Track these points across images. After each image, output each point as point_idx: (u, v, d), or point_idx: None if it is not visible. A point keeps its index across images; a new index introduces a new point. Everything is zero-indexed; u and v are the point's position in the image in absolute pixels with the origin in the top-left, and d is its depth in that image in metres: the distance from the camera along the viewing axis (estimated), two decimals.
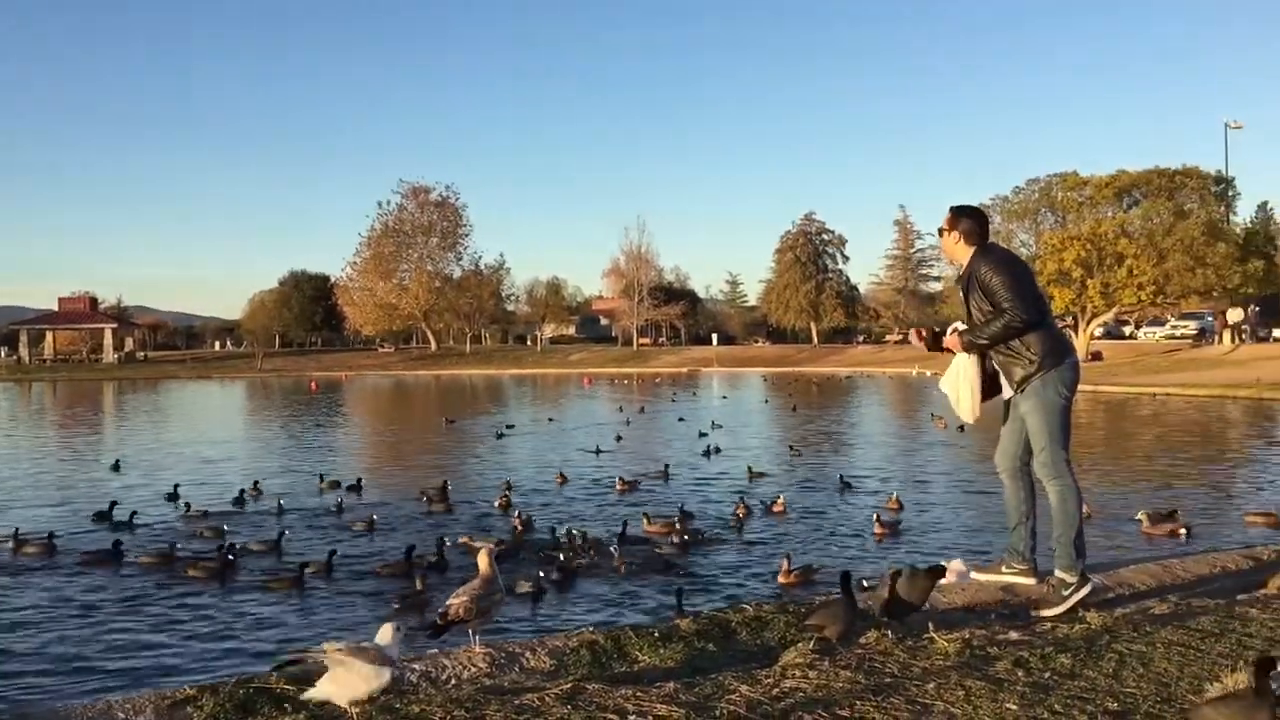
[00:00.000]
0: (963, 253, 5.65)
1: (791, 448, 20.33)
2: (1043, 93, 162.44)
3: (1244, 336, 47.81)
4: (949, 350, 5.83)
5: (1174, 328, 58.39)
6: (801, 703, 3.86)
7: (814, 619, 4.68)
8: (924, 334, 5.98)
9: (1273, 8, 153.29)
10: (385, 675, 3.74)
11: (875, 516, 11.60)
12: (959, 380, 5.80)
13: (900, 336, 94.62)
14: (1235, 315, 49.02)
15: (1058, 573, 5.42)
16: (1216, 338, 50.88)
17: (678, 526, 11.40)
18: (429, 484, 15.10)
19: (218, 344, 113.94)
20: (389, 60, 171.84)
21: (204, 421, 33.41)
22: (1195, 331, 55.58)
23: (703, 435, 22.82)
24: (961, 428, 18.24)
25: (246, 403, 46.82)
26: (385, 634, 3.93)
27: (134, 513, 13.08)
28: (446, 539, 10.71)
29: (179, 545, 10.96)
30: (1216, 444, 21.37)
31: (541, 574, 9.18)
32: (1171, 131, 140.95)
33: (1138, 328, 64.82)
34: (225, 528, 12.04)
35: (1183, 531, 10.70)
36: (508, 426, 25.91)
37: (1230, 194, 64.56)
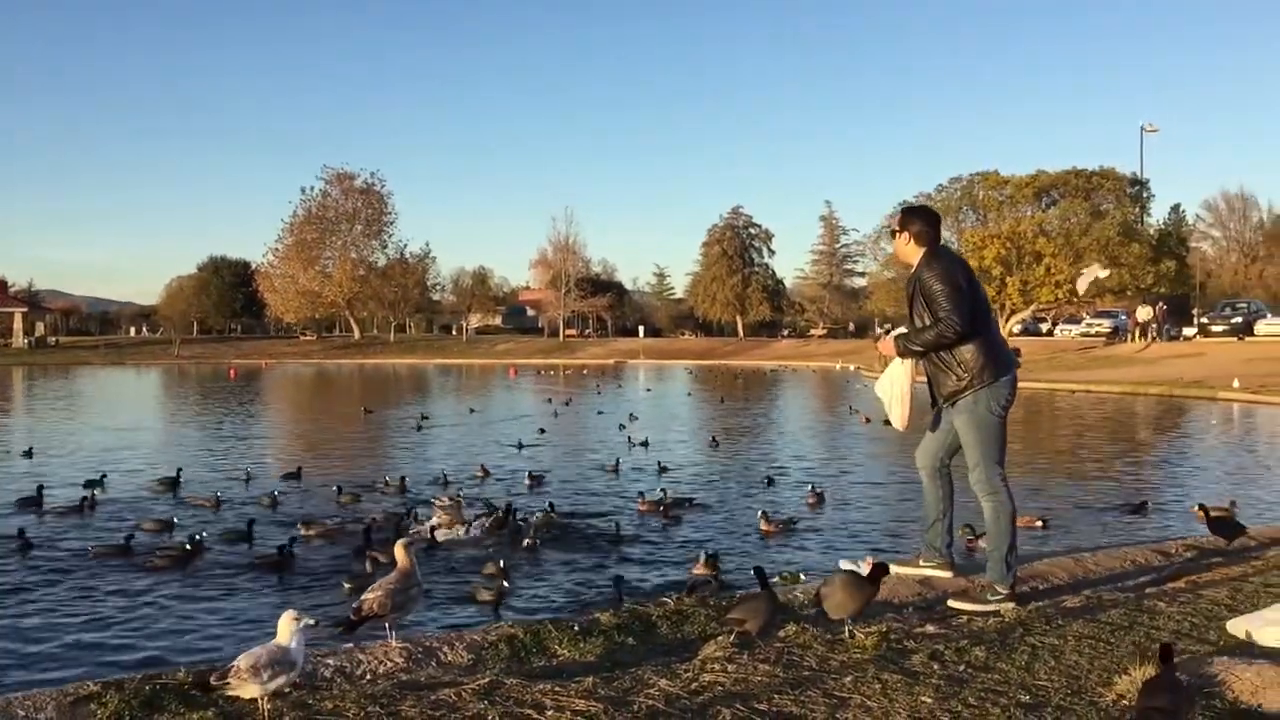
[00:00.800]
0: (913, 254, 5.59)
1: (713, 439, 20.39)
2: (967, 93, 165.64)
3: (1154, 335, 49.09)
4: (883, 354, 5.84)
5: (1089, 325, 59.77)
6: (720, 697, 3.86)
7: (735, 613, 4.68)
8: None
9: (1190, 15, 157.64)
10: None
11: (761, 514, 11.25)
12: (892, 387, 5.82)
13: (824, 331, 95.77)
14: (1145, 314, 50.24)
15: (989, 577, 5.46)
16: (1129, 336, 52.18)
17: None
18: (363, 475, 15.01)
19: (133, 330, 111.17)
20: (312, 41, 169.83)
21: (119, 409, 32.56)
22: (1109, 330, 56.91)
23: (622, 428, 22.77)
24: (887, 421, 18.36)
25: (162, 390, 45.78)
26: (283, 626, 3.85)
27: (90, 492, 12.93)
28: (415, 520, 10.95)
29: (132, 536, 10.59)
30: (1131, 438, 21.91)
31: (504, 567, 8.98)
32: (1090, 134, 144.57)
33: (1055, 325, 66.23)
34: (175, 520, 11.72)
35: (1038, 524, 10.98)
36: (423, 417, 25.30)
37: (1145, 196, 66.28)
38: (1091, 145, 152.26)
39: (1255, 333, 47.81)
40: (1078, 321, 62.45)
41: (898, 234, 5.67)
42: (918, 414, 5.85)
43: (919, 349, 5.52)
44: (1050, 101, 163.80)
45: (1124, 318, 57.19)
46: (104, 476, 14.62)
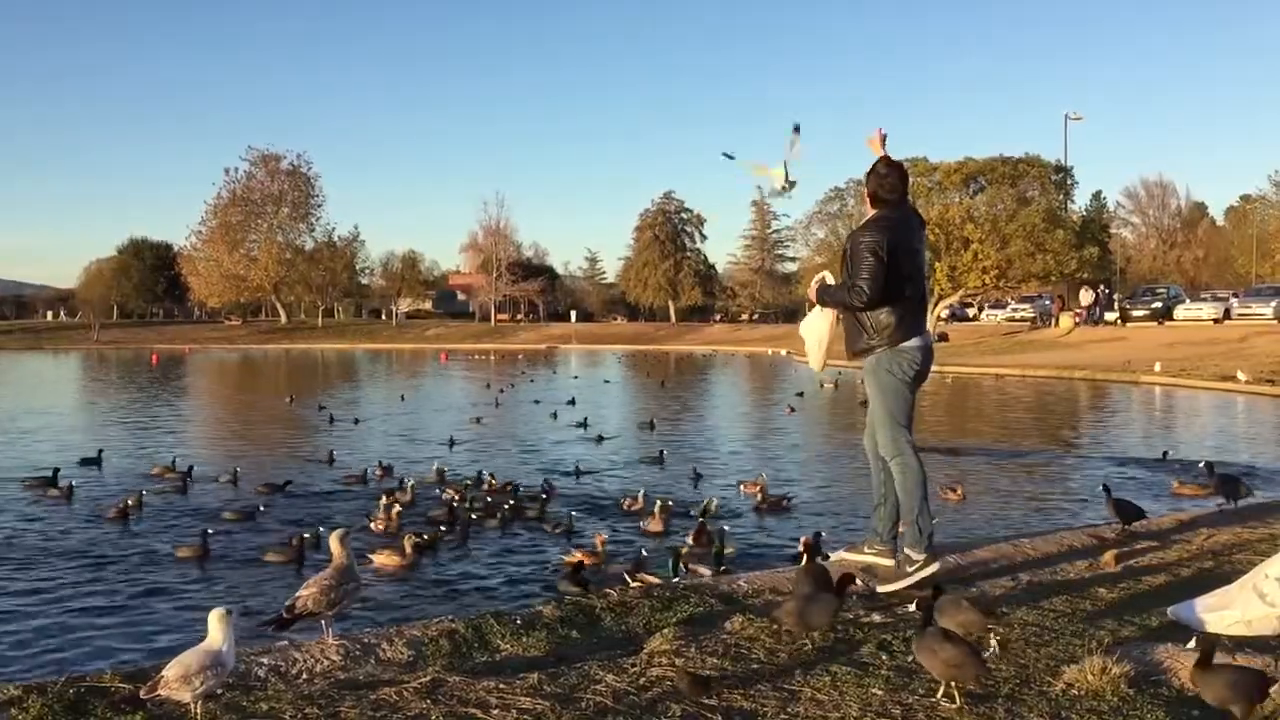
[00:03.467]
0: (869, 210, 5.67)
1: (652, 424, 20.37)
2: (896, 79, 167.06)
3: (1095, 318, 50.05)
4: (809, 297, 5.97)
5: (1014, 310, 60.84)
6: (669, 692, 3.79)
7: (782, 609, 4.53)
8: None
9: (1112, 5, 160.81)
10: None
11: (659, 505, 10.86)
12: (812, 331, 5.95)
13: (756, 315, 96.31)
14: (1087, 297, 51.09)
15: (905, 549, 5.46)
16: (1053, 321, 53.10)
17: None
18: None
19: (50, 314, 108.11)
20: (236, 20, 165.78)
21: (34, 394, 31.63)
22: (1034, 314, 57.91)
23: (554, 416, 22.60)
24: (802, 393, 18.43)
25: (80, 375, 44.62)
26: (214, 625, 3.70)
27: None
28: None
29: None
30: (1057, 420, 22.30)
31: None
32: (1016, 122, 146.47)
33: (981, 311, 67.25)
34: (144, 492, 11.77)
35: (953, 495, 11.29)
36: (327, 417, 22.71)
37: (1069, 183, 67.40)
38: (1018, 133, 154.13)
39: (1175, 317, 49.01)
40: (1003, 306, 63.51)
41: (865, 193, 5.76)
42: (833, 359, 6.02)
43: (829, 303, 5.72)
44: (977, 90, 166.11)
45: (1047, 303, 58.21)
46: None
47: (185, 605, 7.85)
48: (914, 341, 5.48)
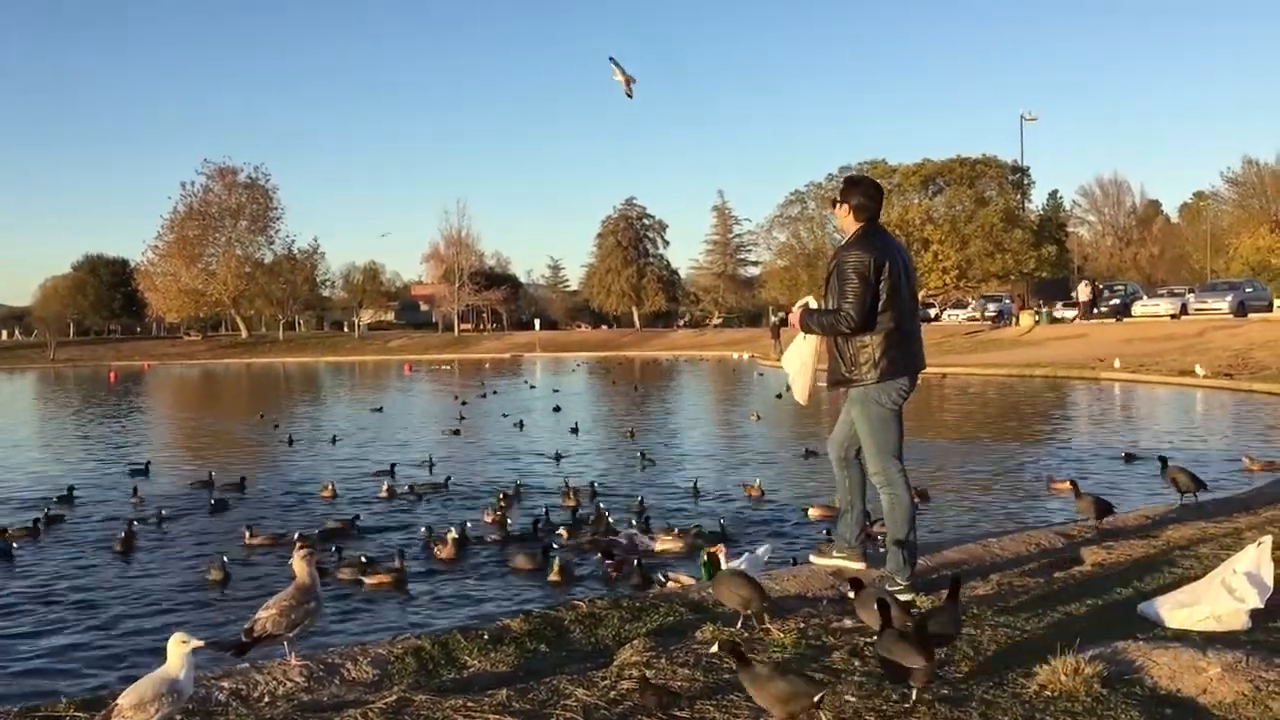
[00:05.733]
0: (850, 227, 5.43)
1: (632, 434, 20.29)
2: (855, 83, 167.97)
3: (1095, 312, 49.82)
4: (793, 326, 5.70)
5: (977, 309, 61.32)
6: (641, 706, 3.72)
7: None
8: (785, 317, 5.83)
9: (1064, 6, 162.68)
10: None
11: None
12: (795, 359, 5.75)
13: (720, 320, 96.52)
14: (1085, 292, 50.92)
15: (888, 568, 5.40)
16: (1014, 320, 53.54)
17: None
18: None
19: (5, 333, 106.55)
20: (192, 32, 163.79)
21: None
22: (994, 314, 58.33)
23: (519, 425, 22.49)
24: (788, 388, 18.27)
25: (36, 395, 43.96)
26: (173, 651, 3.59)
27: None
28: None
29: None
30: (1020, 418, 22.44)
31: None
32: (972, 122, 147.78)
33: (942, 311, 67.75)
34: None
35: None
36: (289, 438, 20.98)
37: (1025, 183, 68.15)
38: (974, 134, 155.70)
39: (1133, 314, 49.51)
40: (964, 306, 64.01)
41: (838, 204, 5.51)
42: (819, 390, 5.79)
43: (815, 329, 5.47)
44: (934, 91, 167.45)
45: (1008, 302, 58.71)
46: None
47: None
48: (902, 378, 5.32)
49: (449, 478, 14.54)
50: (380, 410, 27.93)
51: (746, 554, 5.97)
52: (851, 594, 4.46)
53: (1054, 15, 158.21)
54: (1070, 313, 53.42)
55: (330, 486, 13.92)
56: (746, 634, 4.58)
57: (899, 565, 5.33)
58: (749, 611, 4.65)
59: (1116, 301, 52.10)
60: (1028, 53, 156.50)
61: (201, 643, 3.70)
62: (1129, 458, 14.73)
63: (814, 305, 5.56)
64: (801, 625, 4.70)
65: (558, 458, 17.01)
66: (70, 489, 13.96)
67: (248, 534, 10.75)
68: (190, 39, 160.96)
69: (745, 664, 3.51)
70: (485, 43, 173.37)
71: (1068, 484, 12.31)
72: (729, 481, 14.22)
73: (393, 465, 15.77)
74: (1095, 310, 50.96)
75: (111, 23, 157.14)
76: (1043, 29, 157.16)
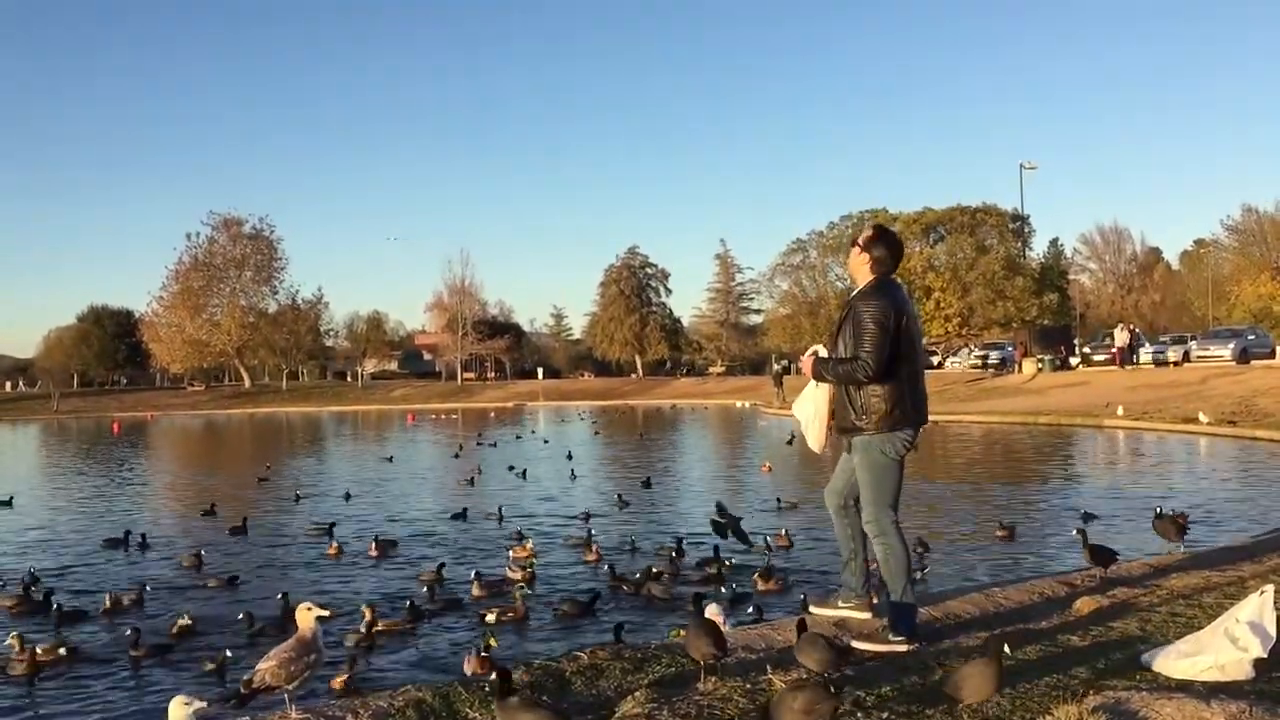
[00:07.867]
0: (863, 276, 5.46)
1: (648, 482, 19.88)
2: (856, 132, 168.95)
3: (1133, 360, 48.41)
4: (804, 373, 5.71)
5: (978, 358, 61.19)
6: None
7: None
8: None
9: (1063, 56, 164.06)
10: None
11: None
12: (809, 407, 5.72)
13: (722, 369, 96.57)
14: (1122, 337, 49.80)
15: (888, 618, 5.39)
16: (1016, 367, 53.44)
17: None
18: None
19: (9, 384, 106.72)
20: (198, 83, 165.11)
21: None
22: (997, 361, 58.19)
23: (512, 469, 22.45)
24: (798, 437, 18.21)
25: (41, 447, 43.96)
26: (173, 713, 3.58)
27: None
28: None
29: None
30: (1025, 465, 22.38)
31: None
32: (972, 171, 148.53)
33: (945, 358, 67.74)
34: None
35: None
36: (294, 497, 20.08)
37: (1026, 231, 68.54)
38: (974, 182, 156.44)
39: (1137, 361, 49.19)
40: (957, 353, 63.91)
41: (859, 250, 5.50)
42: (833, 438, 5.78)
43: (830, 378, 5.45)
44: (934, 140, 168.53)
45: (1010, 350, 58.68)
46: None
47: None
48: (908, 429, 5.34)
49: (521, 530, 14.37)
50: (390, 459, 27.96)
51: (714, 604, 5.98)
52: (795, 638, 4.47)
53: (1053, 65, 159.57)
54: (1101, 356, 51.36)
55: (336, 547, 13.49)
56: (748, 685, 4.55)
57: (895, 618, 5.31)
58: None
59: (1176, 349, 49.96)
60: (1027, 102, 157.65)
61: (205, 704, 3.70)
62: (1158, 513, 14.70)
63: (824, 354, 5.56)
64: (804, 675, 4.68)
65: (622, 503, 16.88)
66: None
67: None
68: (193, 90, 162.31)
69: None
70: (488, 94, 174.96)
71: (1008, 533, 12.43)
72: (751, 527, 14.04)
73: (332, 525, 14.91)
74: (1135, 358, 49.43)
75: (114, 71, 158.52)
76: (1042, 78, 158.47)
